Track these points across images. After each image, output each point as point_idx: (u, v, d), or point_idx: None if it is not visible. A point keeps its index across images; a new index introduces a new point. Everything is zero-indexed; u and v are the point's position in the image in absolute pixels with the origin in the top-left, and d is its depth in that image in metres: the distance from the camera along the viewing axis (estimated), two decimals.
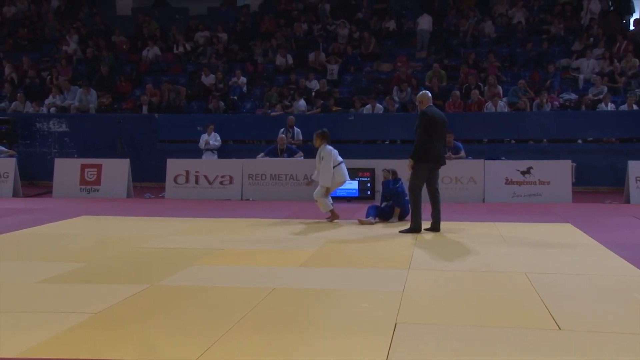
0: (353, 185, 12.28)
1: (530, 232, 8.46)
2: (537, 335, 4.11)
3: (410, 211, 8.59)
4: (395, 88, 16.09)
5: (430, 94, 8.68)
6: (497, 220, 9.49)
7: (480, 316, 4.56)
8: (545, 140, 15.07)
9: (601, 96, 15.03)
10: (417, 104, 8.88)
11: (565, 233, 8.38)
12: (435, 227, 8.41)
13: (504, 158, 13.25)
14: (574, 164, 12.39)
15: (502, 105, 15.07)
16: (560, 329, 4.23)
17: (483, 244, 7.49)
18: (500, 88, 15.63)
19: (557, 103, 15.43)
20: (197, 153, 14.67)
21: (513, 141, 15.16)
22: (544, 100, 14.96)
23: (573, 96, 15.56)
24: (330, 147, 9.52)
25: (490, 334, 4.15)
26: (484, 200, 12.15)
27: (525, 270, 5.93)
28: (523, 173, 12.21)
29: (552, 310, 4.62)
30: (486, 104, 15.17)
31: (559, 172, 12.17)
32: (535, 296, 5.04)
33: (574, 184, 12.21)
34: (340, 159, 9.61)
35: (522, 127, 14.85)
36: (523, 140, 15.09)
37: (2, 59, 19.03)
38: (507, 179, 12.25)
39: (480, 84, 15.93)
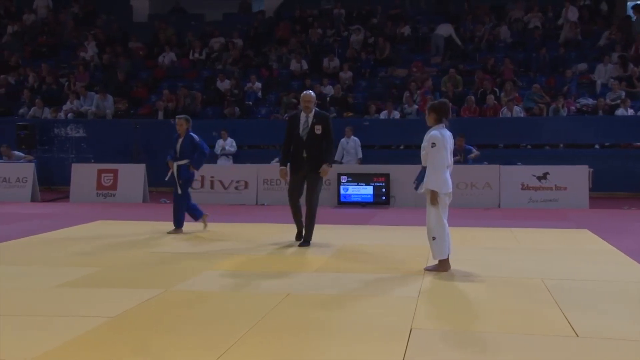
0: (368, 190, 12.26)
1: (547, 238, 8.39)
2: (554, 342, 4.07)
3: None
4: (405, 93, 16.02)
5: None
6: (513, 226, 9.42)
7: (495, 322, 4.52)
8: (561, 145, 14.94)
9: (619, 101, 14.87)
10: (303, 105, 7.89)
11: (582, 239, 8.29)
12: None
13: (520, 163, 13.16)
14: (591, 170, 12.26)
15: (518, 110, 14.98)
16: (577, 336, 4.19)
17: (499, 250, 7.45)
18: (516, 94, 15.52)
19: (573, 108, 15.30)
20: (212, 158, 14.71)
21: (529, 146, 15.04)
22: (560, 106, 14.84)
23: (590, 101, 15.40)
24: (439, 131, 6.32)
25: (506, 341, 4.11)
26: (499, 206, 12.07)
27: (541, 277, 5.88)
28: (539, 178, 12.12)
29: (570, 317, 4.57)
30: (502, 109, 15.07)
31: (575, 177, 12.07)
32: (552, 303, 4.99)
33: (590, 190, 12.09)
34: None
35: (538, 132, 14.73)
36: (539, 146, 14.97)
37: (21, 66, 19.27)
38: (523, 185, 12.16)
39: (496, 89, 15.84)
